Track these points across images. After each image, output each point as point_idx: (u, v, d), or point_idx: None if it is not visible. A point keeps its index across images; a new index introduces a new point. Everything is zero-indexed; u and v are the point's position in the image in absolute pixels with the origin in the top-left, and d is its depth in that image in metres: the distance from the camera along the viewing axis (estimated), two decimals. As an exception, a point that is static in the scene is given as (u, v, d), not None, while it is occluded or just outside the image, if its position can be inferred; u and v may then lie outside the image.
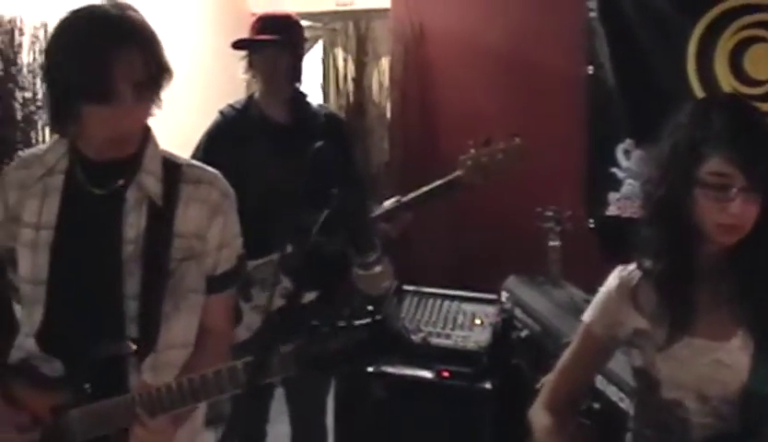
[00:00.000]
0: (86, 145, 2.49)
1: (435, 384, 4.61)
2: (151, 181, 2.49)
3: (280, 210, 3.77)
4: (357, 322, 2.25)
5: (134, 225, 2.46)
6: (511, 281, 4.69)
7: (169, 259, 2.47)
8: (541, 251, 4.76)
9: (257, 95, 4.22)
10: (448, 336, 4.66)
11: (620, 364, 3.01)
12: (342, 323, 2.25)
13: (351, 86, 5.52)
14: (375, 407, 4.62)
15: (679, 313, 2.32)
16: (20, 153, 2.71)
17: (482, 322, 4.69)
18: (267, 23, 4.21)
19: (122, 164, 2.49)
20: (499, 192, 5.24)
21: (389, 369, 4.56)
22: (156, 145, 2.56)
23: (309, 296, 3.77)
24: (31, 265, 2.49)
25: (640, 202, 4.82)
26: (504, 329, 4.61)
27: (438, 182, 3.89)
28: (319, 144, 2.29)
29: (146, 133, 2.54)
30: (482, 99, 5.39)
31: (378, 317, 2.29)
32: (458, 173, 3.84)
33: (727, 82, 4.77)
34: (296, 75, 4.19)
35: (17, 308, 2.59)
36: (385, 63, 5.67)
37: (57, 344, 2.48)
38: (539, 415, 2.60)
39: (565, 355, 2.61)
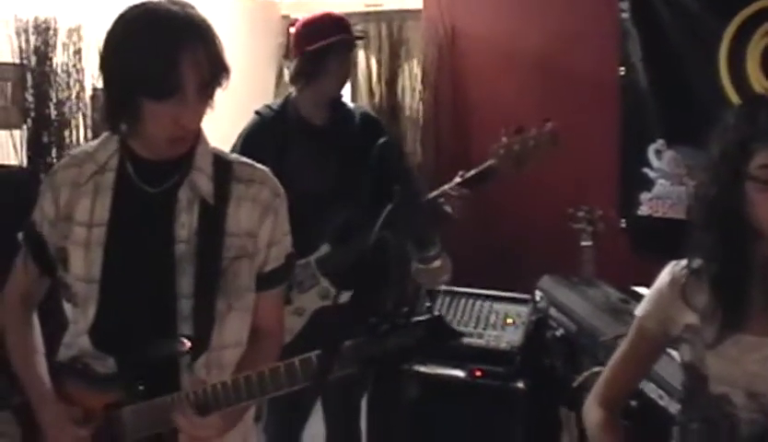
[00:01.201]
0: (140, 144, 2.48)
1: (467, 383, 4.64)
2: (203, 180, 2.49)
3: (319, 211, 3.80)
4: (415, 319, 2.24)
5: (186, 224, 2.46)
6: (545, 280, 4.71)
7: (221, 257, 2.47)
8: (574, 251, 4.78)
9: (294, 95, 4.18)
10: (480, 336, 4.68)
11: (660, 362, 3.03)
12: (400, 321, 2.23)
13: (383, 88, 5.52)
14: (408, 407, 4.66)
15: (730, 311, 2.35)
16: (56, 154, 2.68)
17: (514, 322, 4.71)
18: (337, 22, 4.17)
19: (174, 162, 2.48)
20: (531, 192, 5.31)
21: (422, 369, 4.58)
22: (206, 143, 2.56)
23: (346, 297, 3.78)
24: (84, 263, 2.48)
25: (674, 202, 4.99)
26: (537, 328, 4.64)
27: (472, 172, 3.85)
28: (382, 140, 2.30)
29: (198, 132, 2.53)
30: (514, 101, 5.41)
31: (435, 314, 2.28)
32: (490, 162, 3.79)
33: (758, 82, 4.79)
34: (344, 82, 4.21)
35: (67, 307, 2.58)
36: (416, 65, 5.66)
37: (110, 342, 2.48)
38: (592, 411, 2.62)
39: (618, 351, 2.65)
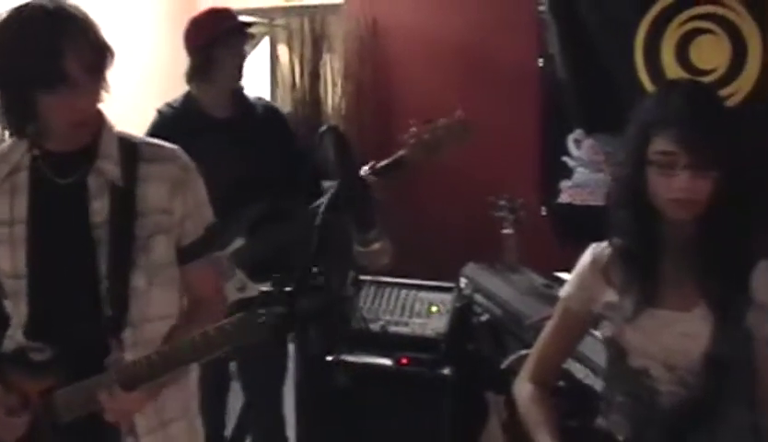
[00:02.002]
0: (46, 139, 2.56)
1: (394, 371, 4.70)
2: (109, 166, 2.57)
3: (230, 205, 3.82)
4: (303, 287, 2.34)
5: (100, 210, 2.55)
6: (470, 268, 4.79)
7: (135, 237, 2.56)
8: (496, 239, 4.86)
9: (195, 91, 4.24)
10: (406, 324, 4.75)
11: (585, 342, 3.13)
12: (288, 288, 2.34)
13: (306, 81, 5.56)
14: (336, 396, 4.70)
15: (644, 286, 2.46)
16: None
17: (438, 310, 4.79)
18: (225, 14, 4.29)
19: (81, 152, 2.57)
20: (454, 182, 5.38)
21: (349, 358, 4.64)
22: (110, 129, 2.64)
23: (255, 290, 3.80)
24: (11, 261, 2.58)
25: (593, 189, 5.10)
26: (462, 315, 4.72)
27: (383, 162, 3.95)
28: (325, 126, 2.36)
29: (100, 120, 2.62)
30: (436, 93, 5.44)
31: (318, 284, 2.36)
32: (402, 152, 3.89)
33: (673, 72, 4.89)
34: (240, 72, 4.27)
35: (6, 303, 2.67)
36: (338, 58, 5.71)
37: (44, 332, 2.58)
38: (523, 388, 2.74)
39: (544, 331, 2.77)
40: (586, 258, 2.66)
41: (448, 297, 4.81)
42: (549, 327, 2.75)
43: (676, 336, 2.44)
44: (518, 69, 5.38)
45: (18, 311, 2.61)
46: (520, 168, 5.36)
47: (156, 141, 2.73)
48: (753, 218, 2.49)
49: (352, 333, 4.75)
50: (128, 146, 2.63)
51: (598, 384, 3.36)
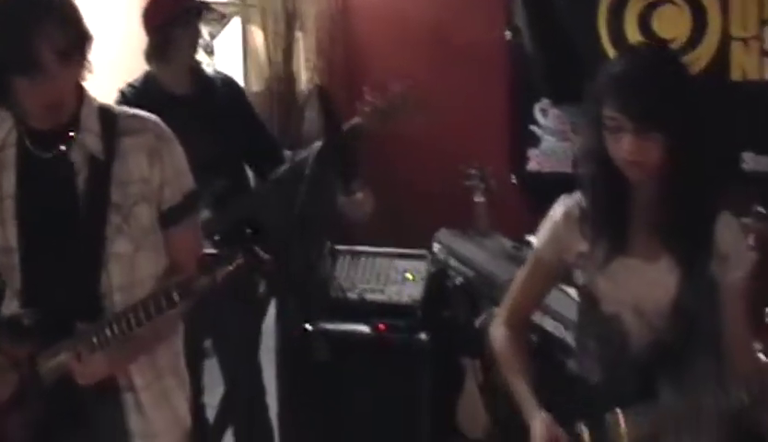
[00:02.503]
0: (27, 116, 2.65)
1: (372, 338, 4.85)
2: (91, 139, 2.66)
3: (195, 179, 3.95)
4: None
5: (87, 181, 2.65)
6: (443, 233, 4.93)
7: (118, 205, 2.65)
8: (468, 207, 5.02)
9: (154, 70, 4.32)
10: (382, 291, 4.89)
11: (554, 298, 3.29)
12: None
13: (280, 58, 5.66)
14: (316, 364, 4.85)
15: (613, 237, 2.61)
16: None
17: (413, 277, 4.93)
18: None
19: (64, 126, 2.64)
20: (425, 152, 5.53)
21: (328, 326, 4.75)
22: (90, 102, 2.72)
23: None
24: (2, 236, 2.68)
25: (560, 157, 5.26)
26: (436, 281, 4.86)
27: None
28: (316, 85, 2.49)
29: (80, 94, 2.69)
30: (407, 69, 5.48)
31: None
32: (356, 120, 3.98)
33: (636, 42, 5.01)
34: (194, 46, 4.36)
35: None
36: (309, 37, 5.81)
37: (37, 300, 2.69)
38: (498, 330, 2.89)
39: (518, 278, 2.92)
40: (557, 210, 2.80)
41: (422, 265, 4.95)
42: (521, 275, 2.91)
43: (645, 284, 2.60)
44: (486, 43, 5.55)
45: (13, 283, 2.72)
46: (490, 138, 5.54)
47: (135, 112, 2.82)
48: (711, 177, 2.63)
49: (330, 302, 4.87)
50: (109, 118, 2.72)
51: (568, 337, 3.53)
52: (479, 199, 5.00)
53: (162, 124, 2.80)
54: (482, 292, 4.50)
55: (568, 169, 5.37)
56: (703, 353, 2.59)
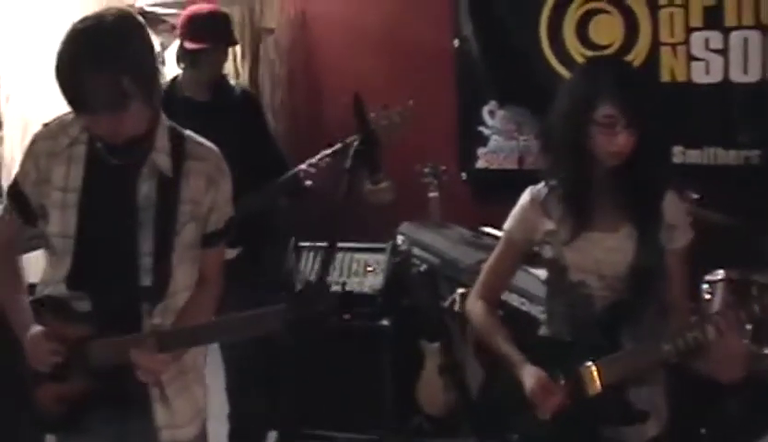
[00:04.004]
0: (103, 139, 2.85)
1: (336, 326, 5.17)
2: (162, 158, 2.87)
3: None
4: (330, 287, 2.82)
5: (148, 195, 2.85)
6: (405, 226, 5.31)
7: (176, 222, 2.87)
8: (422, 203, 5.44)
9: (182, 74, 4.61)
10: (345, 284, 5.27)
11: (517, 277, 3.68)
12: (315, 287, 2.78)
13: (248, 68, 5.95)
14: (282, 351, 5.11)
15: (579, 215, 3.06)
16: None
17: (373, 269, 5.31)
18: (221, 24, 4.61)
19: (136, 141, 2.83)
20: (383, 153, 5.86)
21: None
22: (163, 123, 2.92)
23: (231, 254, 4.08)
24: (61, 222, 2.87)
25: (506, 154, 5.66)
26: (397, 270, 5.22)
27: (339, 145, 4.46)
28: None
29: (155, 116, 2.89)
30: (362, 74, 5.92)
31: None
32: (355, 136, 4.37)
33: (574, 48, 5.53)
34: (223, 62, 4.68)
35: (46, 253, 3.01)
36: (272, 48, 6.12)
37: (84, 288, 2.89)
38: (474, 304, 3.29)
39: (491, 259, 3.33)
40: (525, 197, 3.22)
41: (381, 257, 5.33)
42: (494, 255, 3.31)
43: (606, 251, 3.05)
44: (436, 50, 5.93)
45: (63, 265, 2.90)
46: (442, 139, 5.90)
47: (199, 139, 3.01)
48: (661, 161, 3.18)
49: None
50: (177, 139, 2.93)
51: (533, 309, 3.94)
52: (433, 194, 5.43)
53: (220, 155, 3.01)
54: (446, 276, 4.89)
55: (514, 166, 5.81)
56: (653, 309, 3.06)
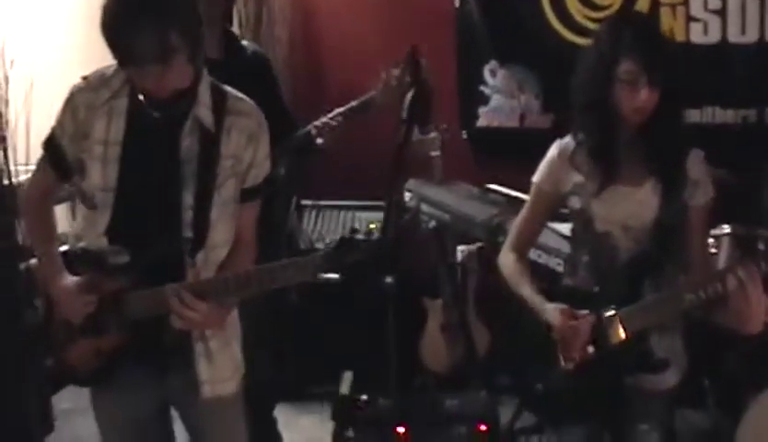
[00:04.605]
0: (148, 93, 2.85)
1: (341, 284, 5.22)
2: (204, 112, 2.89)
3: None
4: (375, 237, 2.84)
5: (190, 148, 2.88)
6: (412, 183, 5.32)
7: (217, 176, 2.90)
8: (425, 161, 5.42)
9: None
10: (348, 241, 5.27)
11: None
12: (360, 236, 2.81)
13: (252, 28, 5.97)
14: (287, 311, 5.20)
15: (606, 169, 3.15)
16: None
17: (376, 227, 5.31)
18: None
19: (179, 95, 2.83)
20: (383, 112, 5.91)
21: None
22: (206, 78, 2.93)
23: None
24: (102, 175, 2.89)
25: (507, 113, 5.72)
26: (401, 227, 5.25)
27: (354, 103, 4.49)
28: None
29: (199, 69, 2.88)
30: (363, 35, 6.03)
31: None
32: (371, 95, 4.44)
33: (574, 7, 5.60)
34: (227, 14, 4.64)
35: (80, 208, 3.02)
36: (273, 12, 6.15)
37: (123, 240, 2.91)
38: (507, 256, 3.39)
39: (522, 211, 3.42)
40: (553, 151, 3.30)
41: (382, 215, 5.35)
42: (526, 207, 3.40)
43: (632, 204, 3.14)
44: (437, 10, 5.97)
45: (103, 219, 2.91)
46: (443, 98, 5.80)
47: (239, 94, 3.03)
48: (682, 118, 3.29)
49: (299, 254, 5.21)
50: (219, 95, 2.96)
51: (550, 262, 4.03)
52: (435, 153, 5.41)
53: (259, 111, 3.05)
54: (458, 231, 4.96)
55: (515, 124, 5.89)
56: (675, 261, 3.15)
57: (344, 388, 4.56)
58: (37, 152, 3.13)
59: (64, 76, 3.11)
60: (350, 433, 4.25)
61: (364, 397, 4.38)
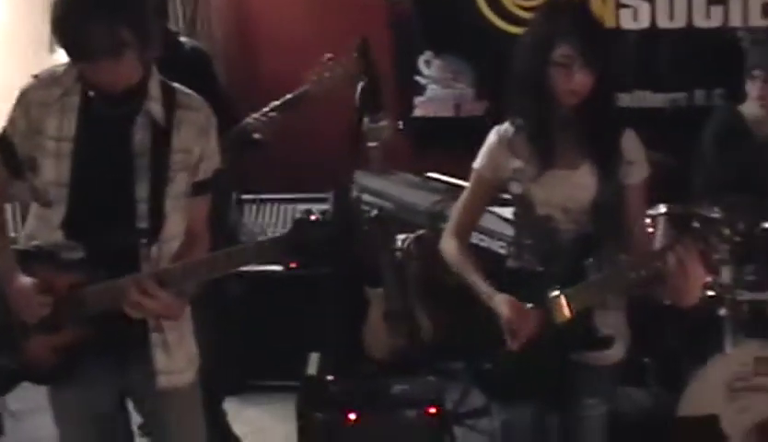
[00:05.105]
0: (98, 88, 2.89)
1: (284, 275, 5.28)
2: (155, 107, 2.94)
3: None
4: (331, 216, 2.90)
5: (142, 142, 2.92)
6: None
7: (169, 170, 2.95)
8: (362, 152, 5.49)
9: None
10: (289, 234, 5.30)
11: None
12: (316, 217, 2.87)
13: (187, 24, 5.99)
14: (231, 303, 5.27)
15: (543, 153, 3.22)
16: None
17: (317, 218, 5.36)
18: None
19: (130, 91, 2.90)
20: (320, 104, 5.96)
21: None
22: (155, 73, 3.00)
23: None
24: (55, 171, 2.92)
25: (442, 102, 5.80)
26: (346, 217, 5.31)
27: (289, 96, 4.52)
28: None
29: (148, 65, 2.96)
30: (297, 29, 6.10)
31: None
32: (305, 88, 4.47)
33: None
34: (162, 12, 4.66)
35: (33, 206, 3.04)
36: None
37: (78, 236, 2.94)
38: (449, 242, 3.43)
39: (462, 197, 3.48)
40: (492, 137, 3.36)
41: (324, 207, 5.35)
42: (466, 193, 3.46)
43: (570, 187, 3.21)
44: (372, 2, 6.06)
45: (58, 214, 2.94)
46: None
47: (187, 90, 3.08)
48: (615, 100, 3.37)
49: None
50: (168, 90, 3.01)
51: (492, 245, 4.11)
52: (372, 144, 5.44)
53: (207, 105, 3.10)
54: (400, 220, 5.02)
55: (450, 114, 5.98)
56: (614, 239, 3.23)
57: (312, 368, 4.63)
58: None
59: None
60: (318, 414, 4.27)
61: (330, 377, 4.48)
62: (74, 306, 2.95)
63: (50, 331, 2.99)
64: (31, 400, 3.42)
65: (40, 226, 3.03)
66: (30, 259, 3.03)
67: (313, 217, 2.87)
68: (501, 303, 3.17)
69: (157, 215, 2.95)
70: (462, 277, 3.33)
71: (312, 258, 2.86)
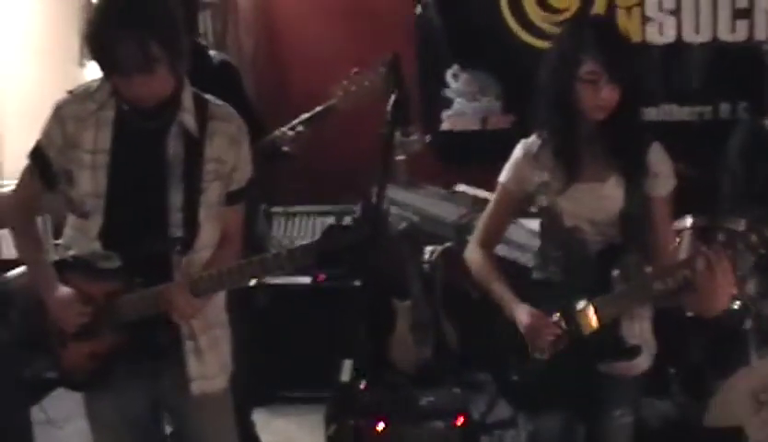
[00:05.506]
0: (132, 102, 2.97)
1: (312, 288, 5.41)
2: (188, 118, 3.01)
3: None
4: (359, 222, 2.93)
5: (176, 153, 2.99)
6: (379, 187, 5.43)
7: (202, 180, 3.01)
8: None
9: None
10: (315, 247, 5.34)
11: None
12: (346, 222, 2.91)
13: (217, 41, 6.06)
14: (259, 316, 5.27)
15: (570, 167, 3.26)
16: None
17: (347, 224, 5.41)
18: None
19: (164, 103, 2.97)
20: (348, 118, 6.00)
21: (270, 280, 5.18)
22: (187, 85, 3.06)
23: None
24: (92, 182, 2.99)
25: (470, 116, 5.84)
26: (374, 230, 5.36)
27: (318, 109, 4.55)
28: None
29: (181, 77, 3.01)
30: (326, 44, 6.14)
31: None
32: (331, 101, 4.49)
33: (533, 12, 5.78)
34: (192, 26, 4.64)
35: (70, 218, 3.11)
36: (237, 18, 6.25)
37: (115, 245, 3.01)
38: (474, 252, 3.49)
39: (488, 209, 3.53)
40: (518, 151, 3.41)
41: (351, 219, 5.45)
42: (490, 205, 3.51)
43: (597, 199, 3.26)
44: (399, 17, 6.11)
45: (95, 224, 3.01)
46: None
47: (219, 101, 3.15)
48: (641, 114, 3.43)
49: None
50: (201, 102, 3.08)
51: (515, 256, 4.15)
52: (400, 157, 5.52)
53: (239, 116, 3.16)
54: (427, 232, 5.06)
55: (476, 127, 6.03)
56: (642, 251, 3.27)
57: (345, 375, 4.69)
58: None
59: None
60: (350, 421, 4.32)
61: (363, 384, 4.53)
62: (110, 314, 3.03)
63: (86, 339, 3.06)
64: (66, 407, 3.41)
65: (77, 237, 3.09)
66: (68, 268, 3.11)
67: (345, 223, 2.90)
68: (521, 312, 3.23)
69: (191, 225, 3.02)
70: (485, 287, 3.38)
71: (342, 264, 2.91)
